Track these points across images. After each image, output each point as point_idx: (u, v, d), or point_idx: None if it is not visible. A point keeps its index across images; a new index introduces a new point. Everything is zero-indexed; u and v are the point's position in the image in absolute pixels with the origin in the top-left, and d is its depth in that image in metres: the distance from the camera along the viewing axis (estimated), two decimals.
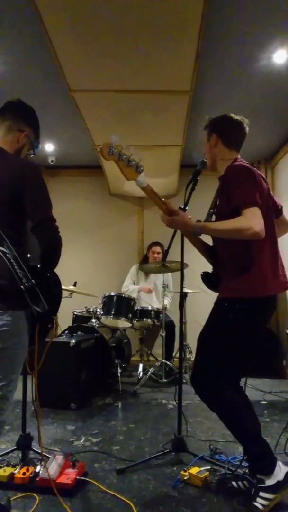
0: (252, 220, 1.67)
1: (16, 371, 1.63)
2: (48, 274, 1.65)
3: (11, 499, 1.82)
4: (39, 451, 2.23)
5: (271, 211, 1.93)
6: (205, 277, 2.05)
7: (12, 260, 1.52)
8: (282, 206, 2.08)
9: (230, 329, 1.83)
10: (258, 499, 1.72)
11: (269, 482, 1.73)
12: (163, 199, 1.89)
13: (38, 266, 1.64)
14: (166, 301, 4.61)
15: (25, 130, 1.74)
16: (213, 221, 1.94)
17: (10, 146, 1.70)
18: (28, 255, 1.69)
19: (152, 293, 4.92)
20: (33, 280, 1.53)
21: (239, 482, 1.94)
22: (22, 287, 1.51)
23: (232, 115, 2.01)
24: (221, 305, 1.89)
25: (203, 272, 2.06)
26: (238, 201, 1.73)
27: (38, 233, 1.61)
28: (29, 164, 1.65)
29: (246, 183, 1.77)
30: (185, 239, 2.36)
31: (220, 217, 1.87)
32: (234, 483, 1.95)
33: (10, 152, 1.69)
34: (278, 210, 2.04)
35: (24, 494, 1.89)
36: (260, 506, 1.71)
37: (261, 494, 1.73)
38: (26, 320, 1.61)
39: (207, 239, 2.02)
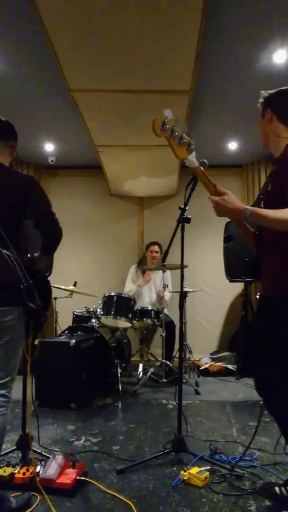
0: None
1: (17, 366, 1.83)
2: (39, 276, 1.86)
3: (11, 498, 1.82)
4: (39, 451, 2.24)
5: None
6: (251, 266, 1.87)
7: (14, 262, 1.71)
8: None
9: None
10: None
11: None
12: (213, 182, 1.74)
13: (32, 268, 1.86)
14: (166, 295, 4.65)
15: (14, 144, 1.99)
16: (264, 208, 1.74)
17: (6, 161, 1.95)
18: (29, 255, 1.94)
19: (151, 282, 4.90)
20: (30, 281, 1.73)
21: (282, 489, 1.82)
22: (21, 286, 1.70)
23: None
24: (267, 304, 1.73)
25: (248, 260, 1.91)
26: None
27: (43, 225, 1.88)
28: (29, 177, 2.02)
29: None
30: (185, 240, 2.37)
31: (270, 204, 1.72)
32: (277, 489, 1.83)
33: (7, 167, 1.94)
34: None
35: (24, 494, 1.88)
36: None
37: None
38: (24, 315, 1.82)
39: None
